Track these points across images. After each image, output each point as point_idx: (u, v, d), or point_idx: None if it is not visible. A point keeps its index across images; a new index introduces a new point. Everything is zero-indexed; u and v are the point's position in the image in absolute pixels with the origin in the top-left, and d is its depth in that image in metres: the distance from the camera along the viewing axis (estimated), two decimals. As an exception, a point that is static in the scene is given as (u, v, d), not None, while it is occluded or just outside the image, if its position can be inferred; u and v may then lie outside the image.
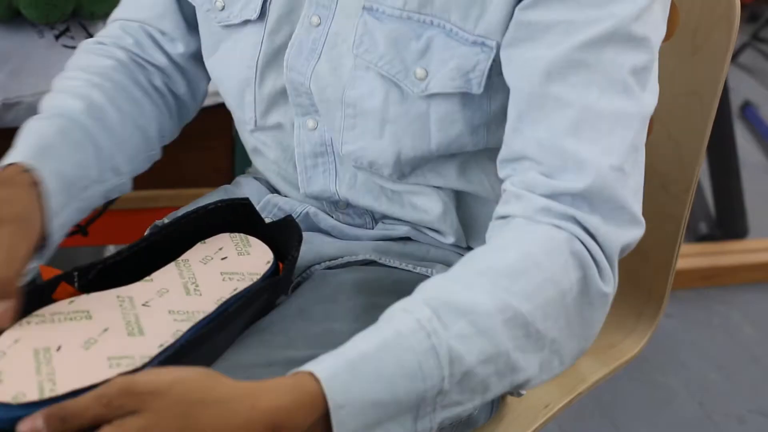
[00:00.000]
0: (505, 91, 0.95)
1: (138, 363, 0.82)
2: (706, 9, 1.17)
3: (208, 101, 1.60)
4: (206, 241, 0.99)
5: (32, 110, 1.52)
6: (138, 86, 1.13)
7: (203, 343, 0.88)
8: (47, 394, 0.78)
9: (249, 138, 1.15)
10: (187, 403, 0.73)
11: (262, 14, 1.05)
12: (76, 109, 1.05)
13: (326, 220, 1.12)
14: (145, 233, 1.05)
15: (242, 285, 0.93)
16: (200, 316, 0.89)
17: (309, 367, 0.77)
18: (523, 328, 0.82)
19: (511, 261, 0.84)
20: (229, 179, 1.65)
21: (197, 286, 0.92)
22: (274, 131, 1.11)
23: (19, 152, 0.97)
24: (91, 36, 1.59)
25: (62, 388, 0.79)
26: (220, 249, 0.98)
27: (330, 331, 0.97)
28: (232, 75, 1.10)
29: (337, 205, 1.11)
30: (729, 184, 2.52)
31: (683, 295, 2.32)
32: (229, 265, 0.95)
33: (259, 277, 0.94)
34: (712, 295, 2.31)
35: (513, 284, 0.82)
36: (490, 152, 1.01)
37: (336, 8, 1.01)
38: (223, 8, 1.08)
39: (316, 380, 0.76)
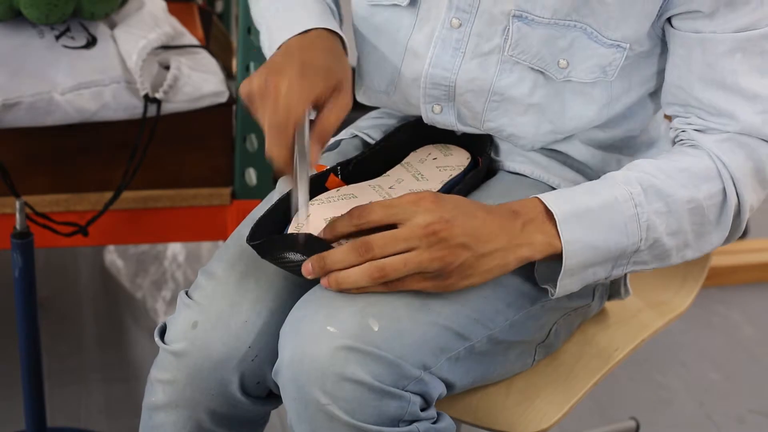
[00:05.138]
0: (629, 73, 1.19)
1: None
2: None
3: (208, 101, 1.60)
4: (416, 150, 1.30)
5: (32, 110, 1.53)
6: None
7: None
8: None
9: None
10: (456, 200, 1.08)
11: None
12: None
13: None
14: (373, 143, 1.33)
15: (455, 172, 1.25)
16: None
17: (550, 207, 1.09)
18: (700, 218, 1.14)
19: (702, 168, 1.14)
20: (229, 179, 1.65)
21: (422, 175, 1.24)
22: None
23: (309, 19, 1.20)
24: (91, 36, 1.59)
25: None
26: (429, 153, 1.28)
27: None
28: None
29: None
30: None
31: (683, 295, 2.32)
32: (440, 162, 1.27)
33: (463, 167, 1.26)
34: (711, 295, 2.31)
35: (701, 185, 1.13)
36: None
37: (476, 12, 1.17)
38: None
39: (553, 219, 1.09)
